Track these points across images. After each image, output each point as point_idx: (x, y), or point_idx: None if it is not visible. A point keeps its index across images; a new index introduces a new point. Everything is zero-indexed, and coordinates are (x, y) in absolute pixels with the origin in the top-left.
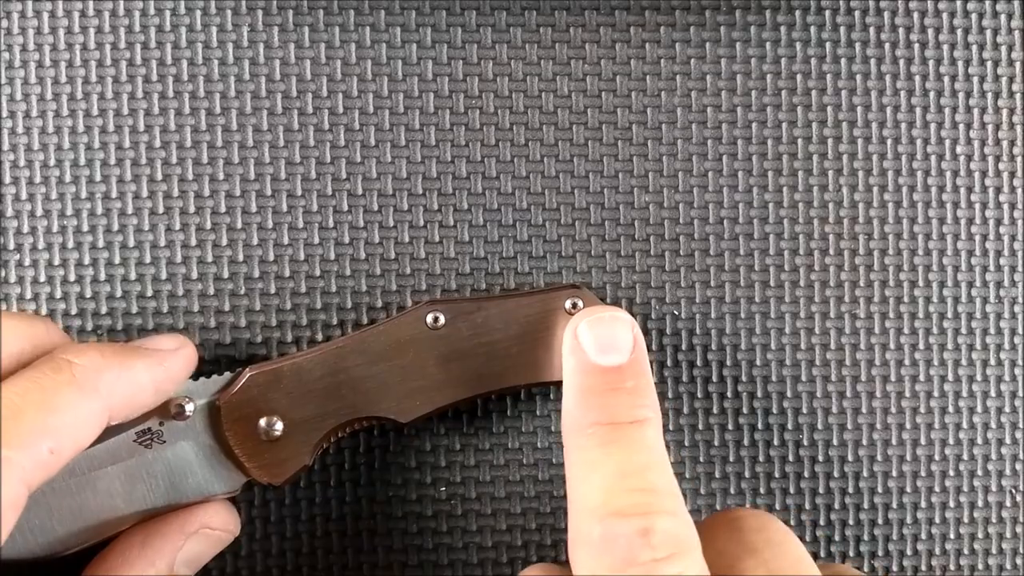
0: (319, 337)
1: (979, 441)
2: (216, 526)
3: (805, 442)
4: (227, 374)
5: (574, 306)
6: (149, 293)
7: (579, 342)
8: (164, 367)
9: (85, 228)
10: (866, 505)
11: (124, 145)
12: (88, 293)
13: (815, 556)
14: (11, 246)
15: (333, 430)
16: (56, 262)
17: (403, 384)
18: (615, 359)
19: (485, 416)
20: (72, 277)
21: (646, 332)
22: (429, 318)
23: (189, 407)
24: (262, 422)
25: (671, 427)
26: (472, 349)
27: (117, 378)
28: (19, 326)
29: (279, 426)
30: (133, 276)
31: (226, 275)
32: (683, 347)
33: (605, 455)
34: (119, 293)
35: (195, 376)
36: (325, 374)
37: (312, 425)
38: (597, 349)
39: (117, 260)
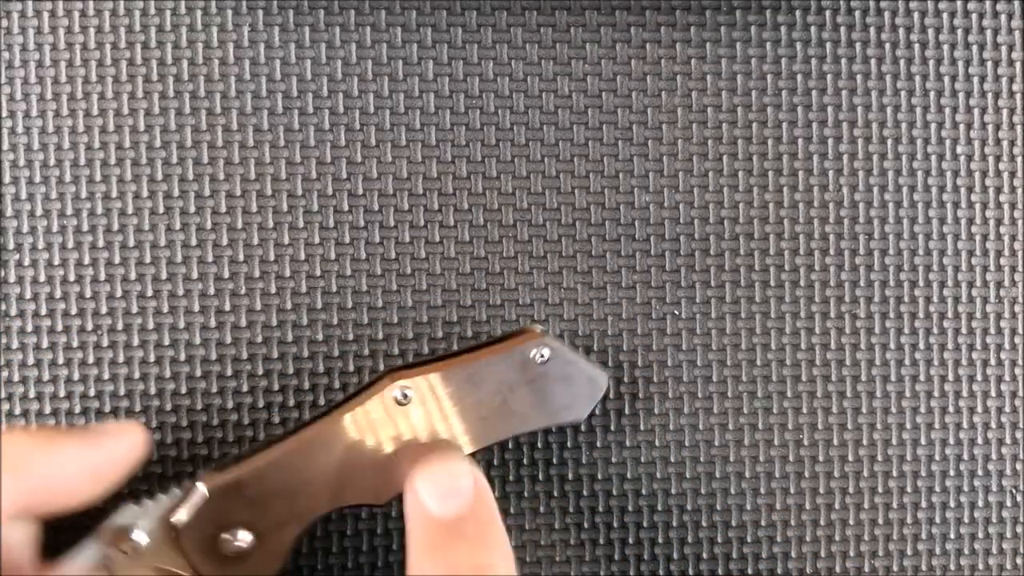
0: (319, 337)
1: (979, 441)
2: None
3: (805, 442)
4: (176, 491)
5: (542, 356)
6: (149, 293)
7: (419, 496)
8: (101, 450)
9: (85, 228)
10: (866, 505)
11: (124, 145)
12: (88, 293)
13: (815, 556)
14: (11, 246)
15: (306, 529)
16: (56, 262)
17: (375, 467)
18: (454, 507)
19: None
20: (72, 277)
21: (646, 332)
22: (395, 395)
23: (139, 537)
24: (226, 536)
25: (671, 427)
26: (444, 419)
27: (45, 461)
28: None
29: (247, 538)
30: (133, 276)
31: (226, 275)
32: (683, 347)
33: None
34: (119, 293)
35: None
36: (290, 474)
37: (283, 530)
38: (437, 500)
39: (117, 260)
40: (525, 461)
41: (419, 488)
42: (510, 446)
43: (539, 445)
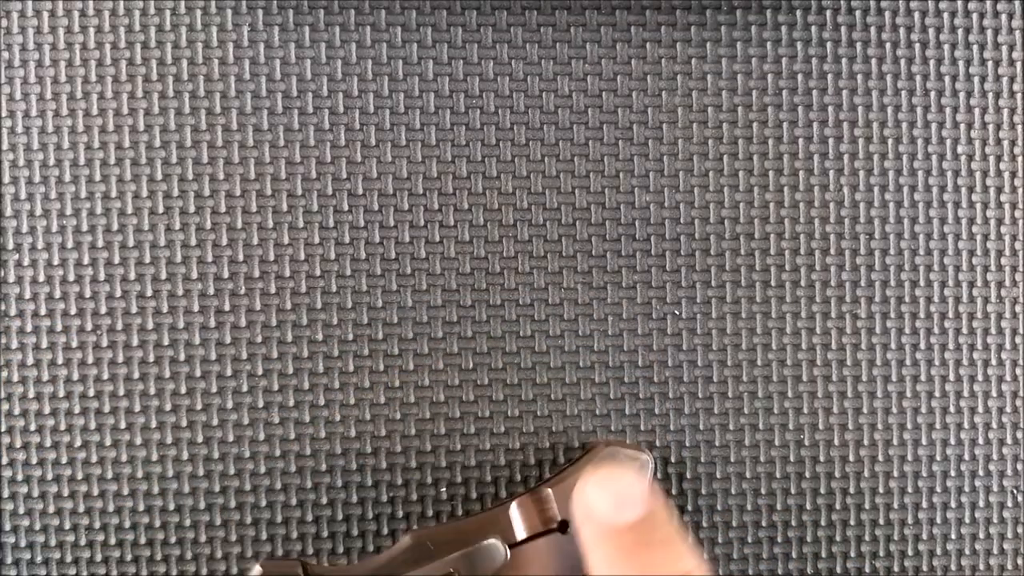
0: (319, 337)
1: (980, 441)
2: None
3: (806, 442)
4: None
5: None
6: (149, 293)
7: (591, 507)
8: None
9: (85, 228)
10: (867, 505)
11: (124, 145)
12: (88, 293)
13: (815, 557)
14: (11, 246)
15: None
16: (56, 262)
17: None
18: (631, 514)
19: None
20: (72, 277)
21: (647, 332)
22: None
23: None
24: None
25: (672, 427)
26: None
27: None
28: None
29: None
30: (133, 276)
31: (226, 275)
32: (683, 347)
33: None
34: (119, 293)
35: None
36: None
37: None
38: (614, 508)
39: (117, 260)
40: (529, 462)
41: (591, 497)
42: (512, 446)
43: (541, 446)
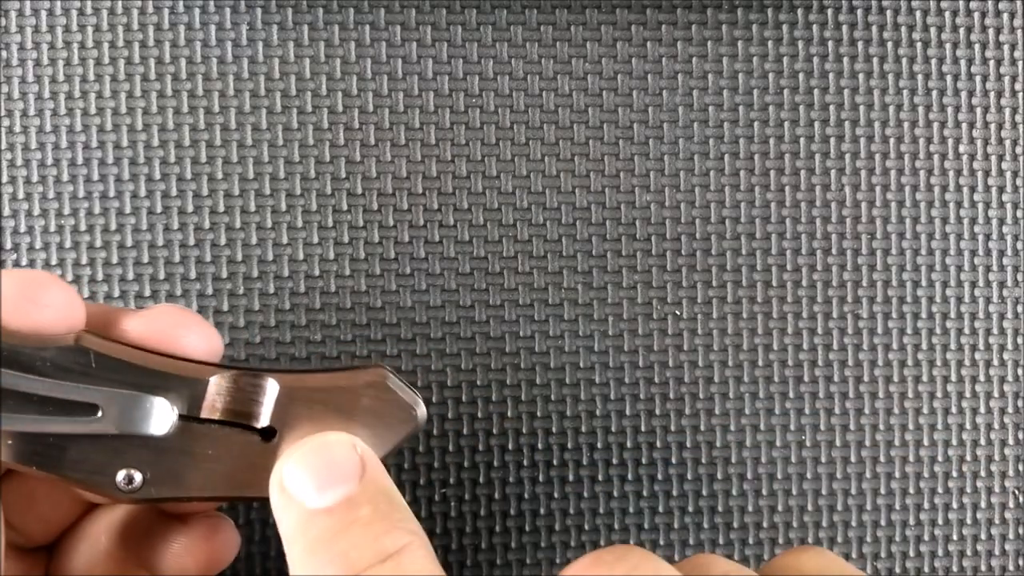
0: (317, 337)
1: (982, 442)
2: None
3: (808, 443)
4: None
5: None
6: (148, 293)
7: (289, 491)
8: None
9: (83, 228)
10: (868, 506)
11: (122, 144)
12: (87, 293)
13: None
14: (9, 245)
15: None
16: (54, 262)
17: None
18: (342, 491)
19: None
20: (70, 277)
21: (647, 333)
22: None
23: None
24: None
25: (672, 428)
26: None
27: None
28: None
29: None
30: (131, 276)
31: (225, 275)
32: (684, 348)
33: None
34: (118, 293)
35: None
36: None
37: None
38: (315, 489)
39: (115, 260)
40: (525, 463)
41: (289, 479)
42: (510, 447)
43: (539, 446)
